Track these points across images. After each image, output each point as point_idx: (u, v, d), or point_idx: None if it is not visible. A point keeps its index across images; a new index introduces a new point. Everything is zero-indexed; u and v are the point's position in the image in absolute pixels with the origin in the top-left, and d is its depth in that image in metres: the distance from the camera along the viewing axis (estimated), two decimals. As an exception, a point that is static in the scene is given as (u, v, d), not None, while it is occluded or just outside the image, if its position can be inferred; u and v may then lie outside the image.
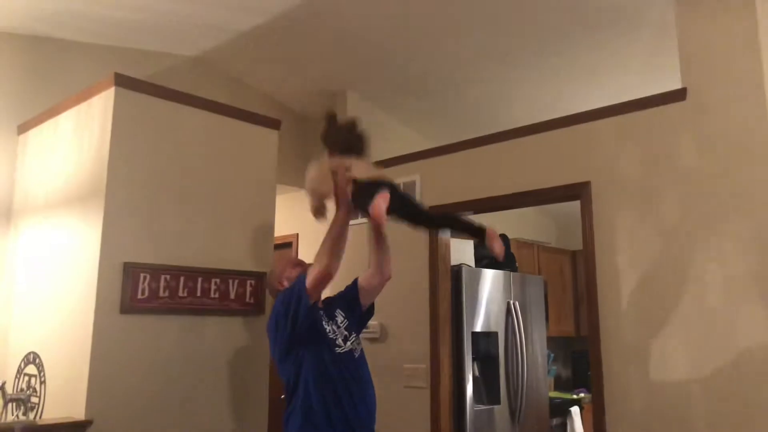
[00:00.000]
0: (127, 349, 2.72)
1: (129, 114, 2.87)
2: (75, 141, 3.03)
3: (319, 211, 2.48)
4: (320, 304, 2.51)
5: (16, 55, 3.58)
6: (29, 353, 2.95)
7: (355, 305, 2.59)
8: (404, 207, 2.37)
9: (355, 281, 2.64)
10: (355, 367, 2.41)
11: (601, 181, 3.16)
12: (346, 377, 2.35)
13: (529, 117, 3.58)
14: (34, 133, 3.38)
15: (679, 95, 2.93)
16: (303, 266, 2.57)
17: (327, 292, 2.58)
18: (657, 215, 2.94)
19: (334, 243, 2.32)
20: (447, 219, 2.72)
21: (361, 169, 2.35)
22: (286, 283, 2.53)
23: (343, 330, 2.47)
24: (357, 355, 2.46)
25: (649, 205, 2.97)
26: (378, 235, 2.52)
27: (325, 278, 2.30)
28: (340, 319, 2.51)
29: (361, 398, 2.36)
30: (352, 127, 2.49)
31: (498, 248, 2.26)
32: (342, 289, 2.67)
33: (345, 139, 2.44)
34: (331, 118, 2.53)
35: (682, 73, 2.96)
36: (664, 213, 2.92)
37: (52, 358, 2.84)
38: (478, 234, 2.35)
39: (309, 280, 2.30)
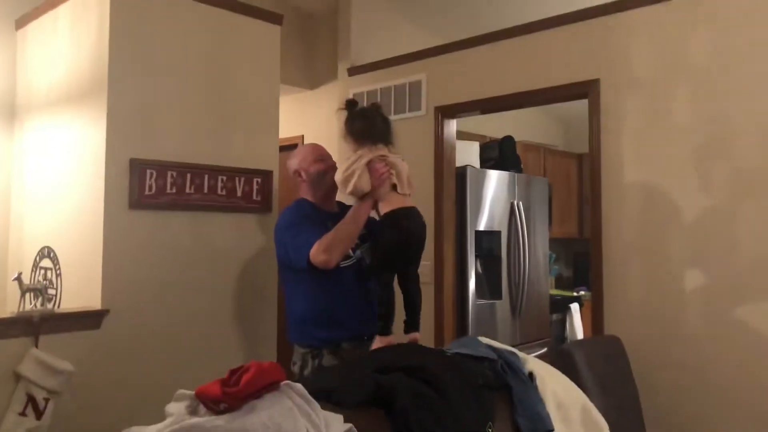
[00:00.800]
0: (138, 243, 2.79)
1: (128, 6, 2.80)
2: (74, 34, 2.97)
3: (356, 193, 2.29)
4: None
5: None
6: (43, 247, 3.03)
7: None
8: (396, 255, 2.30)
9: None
10: (349, 276, 2.39)
11: (610, 78, 3.10)
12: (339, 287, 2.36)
13: (539, 12, 3.46)
14: (32, 28, 3.31)
15: (696, -13, 2.82)
16: (326, 163, 2.50)
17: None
18: (667, 114, 2.90)
19: (348, 237, 2.24)
20: (414, 293, 2.40)
21: (400, 166, 2.29)
22: (303, 175, 2.49)
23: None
24: (364, 265, 2.42)
25: (659, 103, 2.93)
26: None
27: (326, 265, 2.20)
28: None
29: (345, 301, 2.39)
30: (375, 112, 2.35)
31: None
32: None
33: (371, 126, 2.29)
34: (351, 104, 2.37)
35: (700, -37, 2.83)
36: (674, 112, 2.88)
37: (66, 251, 2.92)
38: (409, 324, 2.37)
39: (313, 255, 2.20)
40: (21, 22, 3.39)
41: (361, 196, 2.25)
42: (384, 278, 2.28)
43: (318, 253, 2.19)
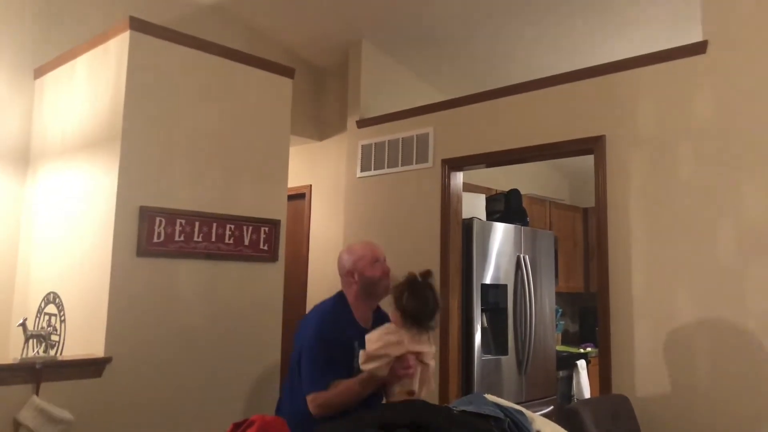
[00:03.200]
0: (143, 290, 2.79)
1: (144, 58, 2.88)
2: (91, 85, 3.05)
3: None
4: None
5: (33, 1, 3.55)
6: (49, 293, 3.04)
7: None
8: None
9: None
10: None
11: (616, 135, 3.14)
12: None
13: (545, 70, 3.54)
14: (50, 78, 3.40)
15: (699, 48, 2.88)
16: (383, 269, 2.38)
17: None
18: (671, 170, 2.93)
19: (348, 404, 2.13)
20: None
21: (429, 356, 2.14)
22: (356, 277, 2.35)
23: None
24: None
25: (664, 160, 2.96)
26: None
27: (314, 411, 2.15)
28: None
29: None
30: (428, 298, 2.14)
31: None
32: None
33: (421, 312, 2.11)
34: (412, 282, 2.15)
35: (703, 25, 2.90)
36: (678, 168, 2.91)
37: (71, 298, 2.92)
38: None
39: (309, 401, 2.16)
40: (39, 72, 3.48)
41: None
42: None
43: (314, 404, 2.14)
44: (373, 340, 2.08)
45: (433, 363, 2.18)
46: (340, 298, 2.40)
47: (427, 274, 2.17)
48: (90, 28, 3.31)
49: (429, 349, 2.14)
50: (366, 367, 2.05)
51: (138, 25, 2.87)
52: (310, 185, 5.01)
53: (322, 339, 2.23)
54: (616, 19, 3.90)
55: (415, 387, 2.10)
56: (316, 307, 2.41)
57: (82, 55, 3.14)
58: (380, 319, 2.39)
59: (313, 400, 2.15)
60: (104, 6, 3.73)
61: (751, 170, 2.69)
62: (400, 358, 2.04)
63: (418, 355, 2.09)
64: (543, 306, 4.48)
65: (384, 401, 2.18)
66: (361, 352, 2.08)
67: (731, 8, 2.83)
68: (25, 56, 3.51)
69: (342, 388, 2.14)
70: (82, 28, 3.50)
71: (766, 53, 2.70)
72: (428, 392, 2.18)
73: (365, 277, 2.33)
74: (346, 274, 2.38)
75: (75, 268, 2.93)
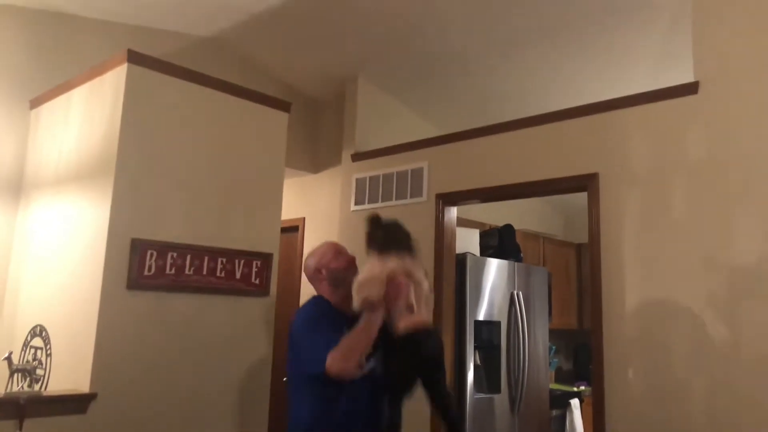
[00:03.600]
0: (132, 324, 2.75)
1: (140, 91, 2.89)
2: (87, 116, 3.05)
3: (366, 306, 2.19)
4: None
5: (29, 30, 3.58)
6: (36, 326, 2.99)
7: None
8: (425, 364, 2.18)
9: None
10: (361, 387, 2.22)
11: (609, 173, 3.15)
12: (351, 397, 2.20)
13: (539, 107, 3.57)
14: (46, 108, 3.40)
15: (691, 88, 2.92)
16: (347, 258, 2.41)
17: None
18: (665, 209, 2.94)
19: (360, 347, 2.11)
20: (447, 407, 2.25)
21: (419, 274, 2.21)
22: (324, 272, 2.36)
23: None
24: (376, 375, 2.25)
25: (657, 198, 2.97)
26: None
27: (338, 375, 2.08)
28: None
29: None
30: (397, 226, 2.31)
31: None
32: None
33: (393, 238, 2.24)
34: (374, 219, 2.32)
35: (695, 66, 2.94)
36: (672, 207, 2.92)
37: (58, 331, 2.88)
38: None
39: (329, 363, 2.06)
40: (36, 102, 3.49)
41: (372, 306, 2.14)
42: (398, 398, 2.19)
43: (335, 360, 2.05)
44: (362, 272, 2.18)
45: (426, 283, 2.22)
46: (316, 297, 2.41)
47: (377, 215, 2.33)
48: (87, 60, 3.32)
49: (417, 269, 2.20)
50: (361, 293, 2.11)
51: (135, 58, 2.88)
52: (304, 218, 5.00)
53: (315, 317, 2.27)
54: (608, 58, 3.96)
55: (420, 310, 2.16)
56: (297, 310, 2.41)
57: (78, 87, 3.15)
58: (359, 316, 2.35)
59: (332, 361, 2.05)
60: (102, 38, 3.76)
61: (744, 208, 2.70)
62: (392, 282, 2.12)
63: (408, 274, 2.16)
64: (536, 343, 4.44)
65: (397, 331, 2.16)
66: (354, 285, 2.14)
67: (722, 49, 2.87)
68: (21, 86, 3.52)
69: (351, 335, 2.11)
70: (78, 59, 3.51)
71: (757, 92, 2.73)
72: (429, 312, 2.24)
73: (331, 269, 2.35)
74: (314, 273, 2.40)
75: (63, 300, 2.89)
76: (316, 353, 2.10)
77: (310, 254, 2.47)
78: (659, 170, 2.98)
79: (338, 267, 2.36)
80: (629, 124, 3.12)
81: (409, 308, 2.15)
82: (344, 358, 2.06)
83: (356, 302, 2.14)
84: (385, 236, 2.24)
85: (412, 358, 2.14)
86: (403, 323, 2.14)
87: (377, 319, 2.14)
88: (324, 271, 2.37)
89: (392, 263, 2.16)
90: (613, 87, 3.43)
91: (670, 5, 3.36)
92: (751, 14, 2.81)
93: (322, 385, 2.15)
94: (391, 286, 2.12)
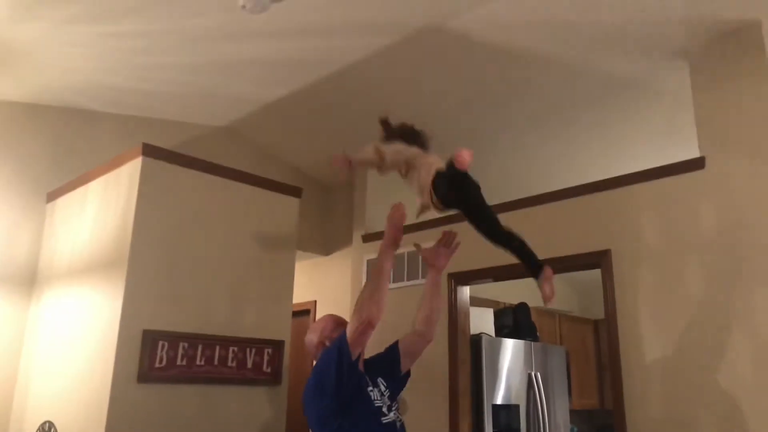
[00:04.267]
0: (142, 418, 2.69)
1: (155, 183, 2.95)
2: (102, 209, 3.10)
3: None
4: (361, 367, 2.24)
5: (47, 126, 3.71)
6: (45, 422, 2.93)
7: (396, 370, 2.38)
8: (474, 198, 2.26)
9: (396, 344, 2.44)
10: None
11: (621, 249, 3.14)
12: None
13: (548, 185, 3.60)
14: (62, 201, 3.47)
15: (698, 164, 2.94)
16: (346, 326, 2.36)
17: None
18: (680, 284, 2.90)
19: (376, 288, 2.12)
20: (511, 238, 2.37)
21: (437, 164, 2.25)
22: (327, 343, 2.30)
23: (386, 398, 2.22)
24: (398, 426, 2.20)
25: (672, 273, 2.94)
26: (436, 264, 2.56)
27: (366, 329, 2.07)
28: (382, 387, 2.25)
29: None
30: (407, 125, 2.44)
31: (548, 290, 2.19)
32: (381, 351, 2.46)
33: (407, 134, 2.40)
34: (385, 121, 2.48)
35: (699, 142, 2.98)
36: (687, 281, 2.88)
37: (67, 426, 2.81)
38: (534, 269, 2.26)
39: (350, 331, 2.08)
40: (52, 195, 3.56)
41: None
42: (485, 220, 2.29)
43: (356, 320, 2.07)
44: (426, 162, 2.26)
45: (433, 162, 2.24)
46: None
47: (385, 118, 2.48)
48: (103, 152, 3.42)
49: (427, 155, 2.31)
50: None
51: (150, 151, 2.96)
52: (315, 301, 4.97)
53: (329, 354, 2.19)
54: (615, 134, 4.02)
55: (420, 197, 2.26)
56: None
57: (94, 180, 3.22)
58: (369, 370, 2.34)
59: (351, 323, 2.08)
60: (117, 130, 3.88)
61: (762, 282, 2.66)
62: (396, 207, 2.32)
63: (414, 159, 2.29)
64: (557, 426, 4.29)
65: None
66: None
67: (724, 125, 2.92)
68: (39, 180, 3.61)
69: (364, 288, 2.18)
70: (95, 152, 3.62)
71: (763, 164, 2.75)
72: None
73: (334, 339, 2.26)
74: (317, 347, 2.34)
75: (73, 395, 2.84)
76: (335, 343, 2.12)
77: (310, 330, 2.44)
78: (671, 245, 2.96)
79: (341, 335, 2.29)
80: (639, 199, 3.13)
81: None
82: (360, 309, 2.08)
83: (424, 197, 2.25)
84: (410, 131, 2.40)
85: (448, 183, 2.16)
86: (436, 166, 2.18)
87: (389, 259, 2.23)
88: (327, 343, 2.31)
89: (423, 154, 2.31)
90: (621, 164, 3.47)
91: (671, 87, 3.44)
92: (748, 87, 2.86)
93: (355, 426, 2.09)
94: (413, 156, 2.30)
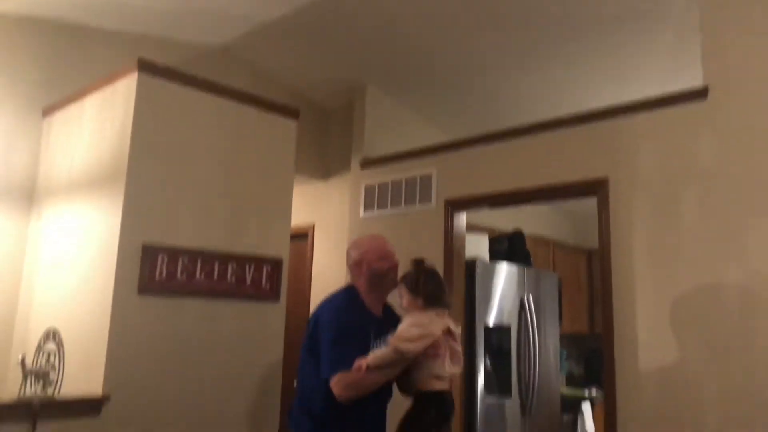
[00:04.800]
0: (144, 329, 2.78)
1: (151, 99, 2.93)
2: (98, 124, 3.09)
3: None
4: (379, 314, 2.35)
5: (42, 41, 3.62)
6: (49, 328, 3.02)
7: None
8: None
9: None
10: None
11: (619, 178, 3.15)
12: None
13: (548, 113, 3.57)
14: (58, 117, 3.45)
15: (700, 94, 2.91)
16: (391, 263, 2.37)
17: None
18: (675, 214, 2.92)
19: (372, 387, 2.14)
20: None
21: (457, 331, 2.27)
22: (365, 268, 2.34)
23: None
24: None
25: (668, 203, 2.96)
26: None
27: (339, 393, 2.12)
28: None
29: (367, 410, 2.26)
30: (440, 278, 2.33)
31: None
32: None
33: (442, 292, 2.28)
34: (419, 263, 2.33)
35: (704, 71, 2.93)
36: (682, 212, 2.90)
37: (71, 335, 2.91)
38: None
39: (333, 384, 2.12)
40: (48, 111, 3.53)
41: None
42: None
43: (339, 385, 2.10)
44: (409, 324, 2.16)
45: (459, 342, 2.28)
46: (350, 289, 2.40)
47: (423, 260, 2.34)
48: (98, 69, 3.37)
49: (455, 326, 2.25)
50: (406, 347, 2.09)
51: (146, 67, 2.92)
52: (313, 224, 5.02)
53: (340, 322, 2.24)
54: (617, 64, 3.96)
55: (446, 369, 2.19)
56: (329, 298, 2.40)
57: (90, 96, 3.20)
58: (389, 314, 2.40)
59: (337, 382, 2.10)
60: (113, 47, 3.79)
61: (757, 215, 2.68)
62: (435, 342, 2.14)
63: (448, 332, 2.21)
64: (547, 348, 4.43)
65: (413, 389, 2.21)
66: (399, 332, 2.13)
67: (731, 54, 2.86)
68: (34, 95, 3.56)
69: (367, 372, 2.11)
70: (90, 68, 3.56)
71: (766, 98, 2.73)
72: (460, 369, 2.28)
73: (373, 269, 2.34)
74: (354, 265, 2.38)
75: (76, 304, 2.92)
76: (329, 363, 2.15)
77: (356, 244, 2.47)
78: (669, 175, 2.97)
79: (380, 268, 2.35)
80: (639, 129, 3.12)
81: (438, 377, 2.18)
82: (350, 387, 2.10)
83: (401, 347, 2.11)
84: (434, 288, 2.25)
85: (437, 418, 2.17)
86: (438, 384, 2.17)
87: (400, 368, 2.15)
88: (365, 267, 2.35)
89: (441, 322, 2.20)
90: (623, 92, 3.43)
91: (676, 13, 3.36)
92: (759, 17, 2.80)
93: None
94: (433, 345, 2.15)
